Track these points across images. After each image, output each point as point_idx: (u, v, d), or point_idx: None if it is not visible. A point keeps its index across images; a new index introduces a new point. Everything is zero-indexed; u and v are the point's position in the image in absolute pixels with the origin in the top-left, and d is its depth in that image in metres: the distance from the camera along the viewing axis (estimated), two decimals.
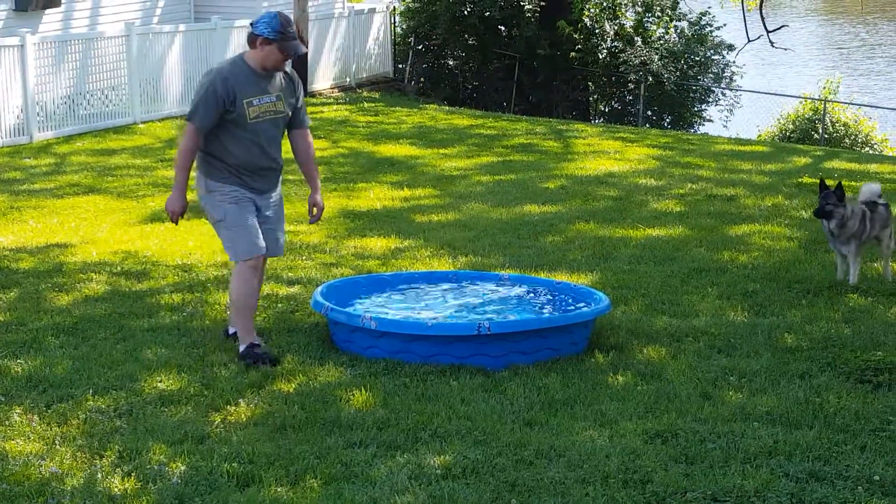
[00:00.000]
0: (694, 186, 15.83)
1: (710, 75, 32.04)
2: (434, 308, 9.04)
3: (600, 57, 30.89)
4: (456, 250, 11.82)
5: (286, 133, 8.50)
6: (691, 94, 31.71)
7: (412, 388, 7.75)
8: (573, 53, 30.85)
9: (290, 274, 10.80)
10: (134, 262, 11.28)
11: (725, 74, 31.99)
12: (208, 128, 8.06)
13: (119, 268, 11.05)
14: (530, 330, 8.30)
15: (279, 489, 6.18)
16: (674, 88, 30.62)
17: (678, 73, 30.87)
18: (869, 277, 10.73)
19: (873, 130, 29.25)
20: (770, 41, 25.50)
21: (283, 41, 8.07)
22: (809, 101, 29.91)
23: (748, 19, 26.57)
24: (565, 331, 8.40)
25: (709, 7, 32.51)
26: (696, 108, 31.97)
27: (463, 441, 6.82)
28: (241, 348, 8.23)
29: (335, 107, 25.09)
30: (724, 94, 31.99)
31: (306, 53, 25.58)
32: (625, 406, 7.44)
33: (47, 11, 22.53)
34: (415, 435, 6.92)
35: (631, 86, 31.01)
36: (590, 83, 32.09)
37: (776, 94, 31.92)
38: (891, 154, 26.80)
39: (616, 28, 31.36)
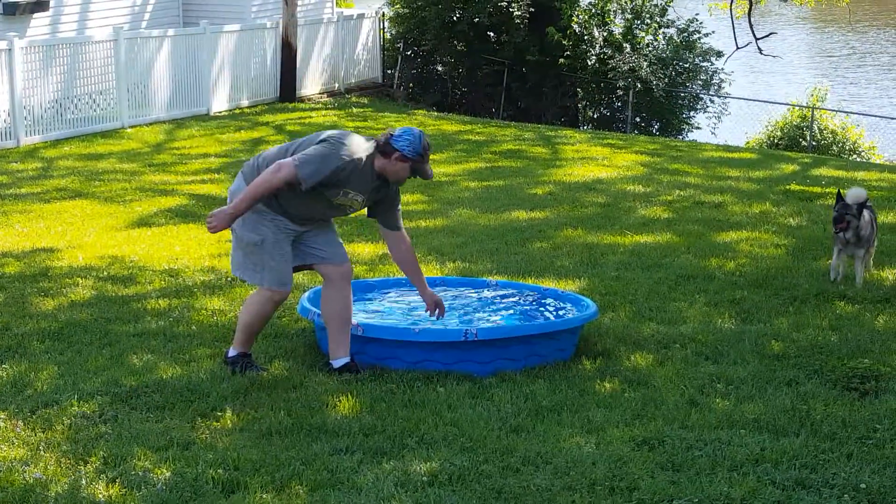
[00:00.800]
0: (682, 193, 15.83)
1: (699, 82, 32.06)
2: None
3: (589, 63, 30.91)
4: (444, 256, 11.80)
5: (382, 231, 8.34)
6: (680, 101, 31.74)
7: (399, 394, 7.72)
8: (562, 60, 30.86)
9: None
10: (120, 267, 11.25)
11: (714, 81, 32.02)
12: (307, 188, 7.65)
13: (105, 273, 11.02)
14: (517, 336, 8.28)
15: (265, 496, 6.15)
16: (662, 95, 30.63)
17: (667, 80, 30.89)
18: (852, 283, 10.73)
19: (861, 138, 29.28)
20: (758, 48, 25.57)
21: (418, 163, 7.89)
22: (797, 108, 29.94)
23: (737, 27, 26.63)
24: (552, 337, 8.39)
25: (696, 14, 32.53)
26: (684, 115, 31.97)
27: (449, 448, 6.79)
28: (232, 353, 8.14)
29: (324, 112, 25.07)
30: (712, 101, 32.01)
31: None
32: (612, 413, 7.42)
33: (35, 15, 22.50)
34: (401, 441, 6.89)
35: (619, 92, 31.01)
36: (578, 89, 32.10)
37: (764, 102, 31.94)
38: (878, 161, 26.83)
39: (605, 34, 31.38)
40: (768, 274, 11.14)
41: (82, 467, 6.49)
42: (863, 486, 6.28)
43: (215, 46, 23.81)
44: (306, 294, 9.04)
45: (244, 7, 26.23)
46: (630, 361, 8.48)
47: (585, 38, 31.13)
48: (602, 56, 30.99)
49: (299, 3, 25.98)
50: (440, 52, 32.44)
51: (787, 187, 16.37)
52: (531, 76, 31.68)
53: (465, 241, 12.56)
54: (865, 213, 10.67)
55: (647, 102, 30.87)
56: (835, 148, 28.62)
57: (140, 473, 6.38)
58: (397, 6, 32.77)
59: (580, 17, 31.48)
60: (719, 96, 31.95)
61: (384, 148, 7.86)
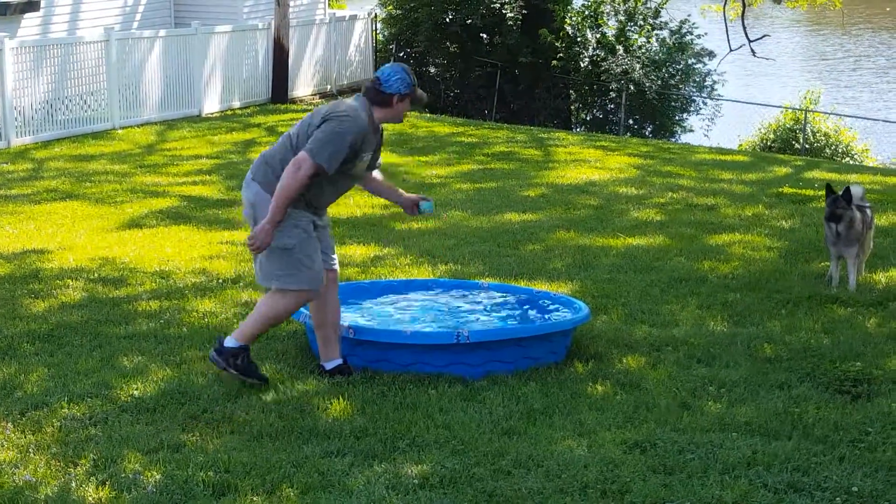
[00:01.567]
0: (674, 196, 15.83)
1: (692, 84, 32.07)
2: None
3: (582, 65, 30.92)
4: (436, 258, 11.79)
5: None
6: (672, 103, 31.76)
7: (390, 396, 7.71)
8: (555, 62, 30.88)
9: None
10: (111, 269, 11.22)
11: (707, 84, 32.04)
12: (331, 170, 7.57)
13: (96, 274, 10.99)
14: (509, 339, 8.27)
15: (255, 498, 6.13)
16: (655, 97, 30.66)
17: (659, 82, 30.92)
18: (846, 286, 10.73)
19: (854, 140, 29.32)
20: (752, 50, 25.58)
21: (415, 92, 7.84)
22: (790, 111, 29.97)
23: (730, 29, 26.65)
24: (545, 339, 8.37)
25: (689, 14, 32.54)
26: (677, 118, 32.00)
27: (441, 450, 6.78)
28: (232, 344, 7.82)
29: None
30: (705, 104, 32.04)
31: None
32: (604, 416, 7.41)
33: (26, 16, 22.45)
34: (392, 444, 6.88)
35: (612, 94, 31.03)
36: (571, 91, 32.12)
37: (757, 104, 31.98)
38: (871, 164, 26.87)
39: (598, 36, 31.40)
40: (761, 277, 11.14)
41: (72, 469, 6.47)
42: (855, 489, 6.28)
43: (207, 47, 23.78)
44: None
45: (236, 8, 26.21)
46: (622, 364, 8.46)
47: (578, 39, 31.15)
48: (595, 58, 31.01)
49: (291, 4, 25.95)
50: (432, 54, 32.46)
51: (780, 190, 16.38)
52: (524, 78, 31.70)
53: (457, 244, 12.54)
54: (858, 213, 10.64)
55: (639, 104, 30.90)
56: (828, 151, 28.66)
57: (130, 476, 6.36)
58: (389, 7, 32.79)
59: (573, 18, 31.50)
60: (712, 98, 31.98)
61: (380, 98, 7.77)
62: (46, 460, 6.59)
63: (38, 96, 20.28)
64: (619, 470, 6.49)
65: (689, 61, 31.78)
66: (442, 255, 11.96)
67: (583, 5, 32.41)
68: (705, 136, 31.08)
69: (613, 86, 30.46)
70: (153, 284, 10.66)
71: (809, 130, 28.94)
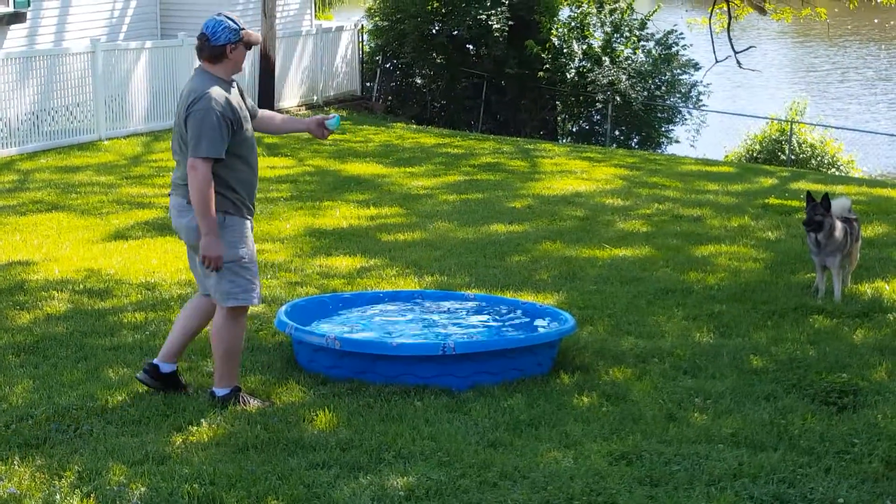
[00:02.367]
0: (660, 207, 15.85)
1: (678, 95, 32.12)
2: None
3: (568, 76, 30.97)
4: (422, 269, 11.78)
5: (256, 125, 8.00)
6: (659, 114, 31.81)
7: (376, 408, 7.70)
8: (541, 73, 30.92)
9: None
10: (97, 281, 11.20)
11: (692, 94, 32.10)
12: (220, 154, 7.41)
13: (81, 286, 10.96)
14: (495, 350, 8.26)
15: None
16: (641, 108, 30.71)
17: (646, 93, 30.97)
18: (831, 298, 10.74)
19: (839, 152, 29.38)
20: (738, 62, 25.60)
21: (245, 35, 7.66)
22: (776, 122, 30.03)
23: (716, 40, 26.68)
24: (530, 351, 8.37)
25: (675, 25, 32.60)
26: (663, 129, 32.04)
27: (427, 462, 6.77)
28: (223, 392, 7.72)
29: None
30: (690, 114, 32.09)
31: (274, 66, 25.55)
32: (589, 427, 7.41)
33: (12, 27, 22.41)
34: (378, 456, 6.87)
35: (599, 105, 31.07)
36: (557, 103, 32.16)
37: (743, 115, 32.03)
38: (857, 175, 26.93)
39: (584, 48, 31.45)
40: (747, 288, 11.15)
41: (57, 482, 6.45)
42: (840, 500, 6.29)
43: (193, 59, 23.61)
44: (283, 308, 9.01)
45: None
46: (608, 375, 8.47)
47: (565, 51, 31.19)
48: (581, 69, 31.06)
49: (278, 15, 25.96)
50: (419, 65, 32.47)
51: (766, 201, 16.41)
52: (510, 89, 31.73)
53: (443, 255, 12.54)
54: (839, 221, 10.62)
55: (626, 116, 30.95)
56: (813, 162, 28.71)
57: (115, 488, 6.34)
58: (376, 19, 32.79)
59: (559, 30, 31.54)
60: (697, 108, 32.03)
61: (214, 54, 7.59)
62: (31, 472, 6.57)
63: (24, 107, 20.23)
64: (605, 482, 6.49)
65: (675, 72, 31.83)
66: (428, 265, 11.95)
67: (569, 17, 32.46)
68: (691, 146, 31.12)
69: (600, 97, 30.51)
70: (139, 296, 10.64)
71: (795, 141, 29.00)
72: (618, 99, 30.25)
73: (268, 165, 19.17)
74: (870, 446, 7.08)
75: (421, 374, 8.10)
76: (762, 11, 27.22)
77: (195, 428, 7.29)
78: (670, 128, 32.27)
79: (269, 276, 11.41)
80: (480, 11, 31.05)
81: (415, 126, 27.64)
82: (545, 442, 7.16)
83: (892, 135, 31.84)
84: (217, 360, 7.76)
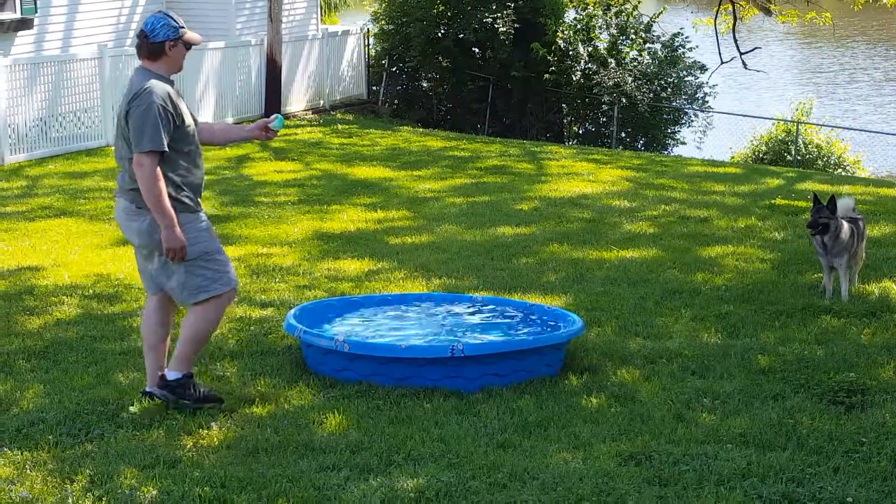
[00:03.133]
0: (667, 208, 15.86)
1: (684, 97, 32.10)
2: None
3: (574, 79, 30.94)
4: (430, 272, 11.80)
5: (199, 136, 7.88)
6: (665, 116, 31.78)
7: (385, 410, 7.72)
8: (547, 75, 30.91)
9: (262, 296, 10.76)
10: (106, 285, 11.23)
11: (698, 96, 32.08)
12: (163, 147, 7.32)
13: (91, 291, 11.00)
14: (504, 352, 8.28)
15: None
16: (647, 110, 30.70)
17: (651, 95, 30.96)
18: (839, 297, 10.75)
19: (845, 152, 29.35)
20: (743, 63, 25.62)
21: (186, 33, 7.60)
22: (782, 122, 30.01)
23: (722, 42, 26.69)
24: (539, 353, 8.38)
25: (681, 28, 32.59)
26: (669, 130, 32.01)
27: (436, 464, 6.79)
28: (174, 376, 7.63)
29: (309, 129, 25.09)
30: (696, 116, 32.07)
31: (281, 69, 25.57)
32: (598, 428, 7.43)
33: (20, 33, 22.46)
34: (388, 458, 6.89)
35: (605, 107, 31.04)
36: (563, 105, 32.14)
37: (749, 116, 32.00)
38: (863, 175, 26.90)
39: (590, 50, 31.42)
40: (754, 288, 11.16)
41: (69, 486, 6.48)
42: (849, 499, 6.29)
43: (200, 63, 23.79)
44: (292, 311, 9.03)
45: (229, 24, 26.23)
46: (616, 376, 8.48)
47: (570, 53, 31.18)
48: (587, 71, 31.04)
49: (284, 19, 25.98)
50: (425, 69, 32.47)
51: (773, 202, 16.41)
52: (516, 92, 31.73)
53: (450, 257, 12.56)
54: (845, 223, 10.64)
55: (632, 118, 30.93)
56: (820, 162, 28.69)
57: (127, 492, 6.37)
58: (382, 22, 32.80)
59: (565, 32, 31.52)
60: (703, 110, 32.01)
61: (153, 51, 7.53)
62: (43, 477, 6.60)
63: (32, 113, 20.28)
64: (614, 482, 6.51)
65: (681, 74, 31.81)
66: (435, 268, 11.97)
67: (575, 19, 32.43)
68: (698, 148, 31.10)
69: (605, 99, 30.49)
70: None
71: (801, 142, 28.98)
72: (624, 101, 30.23)
73: (275, 169, 19.22)
74: (878, 445, 7.09)
75: (430, 377, 8.13)
76: (767, 12, 27.23)
77: (205, 431, 7.31)
78: (676, 129, 32.23)
79: (277, 280, 11.44)
80: (486, 14, 31.06)
81: (421, 129, 27.66)
82: (554, 443, 7.18)
83: None
84: (181, 341, 7.68)
